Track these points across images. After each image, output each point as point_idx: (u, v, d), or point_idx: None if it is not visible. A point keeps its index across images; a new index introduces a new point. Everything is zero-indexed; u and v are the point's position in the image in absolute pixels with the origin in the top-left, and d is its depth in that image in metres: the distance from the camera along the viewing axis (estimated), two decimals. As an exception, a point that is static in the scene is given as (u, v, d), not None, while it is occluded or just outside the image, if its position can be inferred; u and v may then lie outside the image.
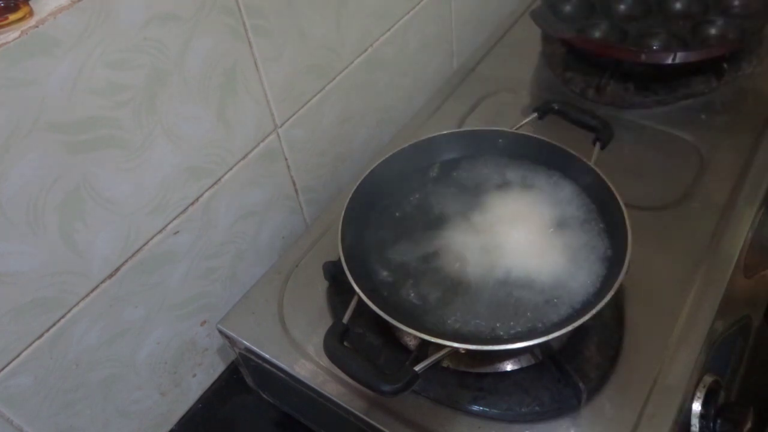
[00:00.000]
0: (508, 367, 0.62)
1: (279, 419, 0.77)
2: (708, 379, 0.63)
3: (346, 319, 0.57)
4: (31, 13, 0.47)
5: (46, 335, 0.58)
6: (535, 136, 0.73)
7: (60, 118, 0.51)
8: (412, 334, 0.56)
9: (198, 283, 0.72)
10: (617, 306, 0.66)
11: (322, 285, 0.72)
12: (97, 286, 0.61)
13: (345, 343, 0.55)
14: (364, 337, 0.66)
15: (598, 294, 0.58)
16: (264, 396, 0.76)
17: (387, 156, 0.71)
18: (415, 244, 0.66)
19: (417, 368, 0.52)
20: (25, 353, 0.56)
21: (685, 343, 0.62)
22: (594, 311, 0.54)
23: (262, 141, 0.73)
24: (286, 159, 0.78)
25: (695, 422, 0.62)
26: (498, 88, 0.96)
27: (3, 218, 0.50)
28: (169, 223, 0.66)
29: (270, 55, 0.69)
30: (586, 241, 0.64)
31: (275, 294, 0.72)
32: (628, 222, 0.61)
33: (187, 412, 0.78)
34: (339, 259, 0.61)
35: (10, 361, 0.56)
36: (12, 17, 0.46)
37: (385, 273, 0.64)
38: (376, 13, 0.83)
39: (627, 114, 0.88)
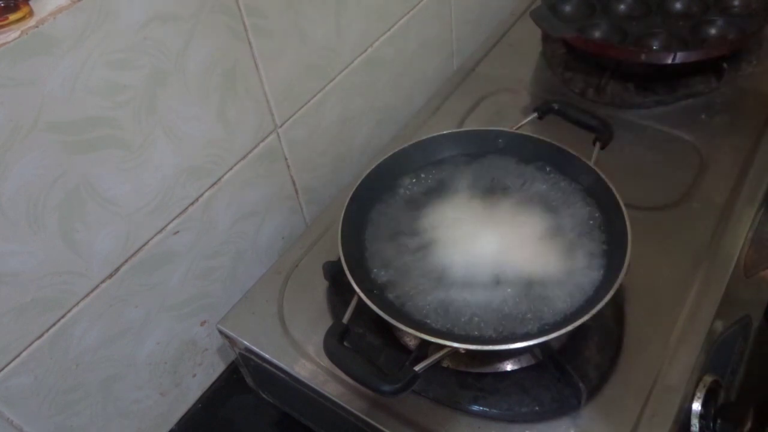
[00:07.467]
0: (508, 367, 0.62)
1: (279, 419, 0.77)
2: (708, 379, 0.63)
3: (346, 319, 0.57)
4: (31, 13, 0.47)
5: (46, 335, 0.58)
6: (535, 136, 0.73)
7: (60, 118, 0.51)
8: (412, 334, 0.56)
9: (198, 283, 0.72)
10: (617, 306, 0.66)
11: (322, 285, 0.72)
12: (97, 286, 0.61)
13: (345, 343, 0.55)
14: (364, 337, 0.66)
15: (598, 294, 0.58)
16: (264, 396, 0.76)
17: (387, 156, 0.71)
18: (415, 244, 0.66)
19: (417, 368, 0.52)
20: (25, 353, 0.56)
21: (685, 343, 0.62)
22: (594, 311, 0.54)
23: (262, 141, 0.73)
24: (286, 159, 0.78)
25: (695, 422, 0.62)
26: (498, 88, 0.96)
27: (3, 218, 0.50)
28: (169, 223, 0.66)
29: (270, 55, 0.69)
30: (585, 241, 0.64)
31: (275, 294, 0.72)
32: (628, 222, 0.61)
33: (187, 412, 0.78)
34: (339, 259, 0.61)
35: (10, 361, 0.56)
36: (12, 17, 0.46)
37: (384, 273, 0.64)
38: (375, 13, 0.83)
39: (627, 114, 0.88)
